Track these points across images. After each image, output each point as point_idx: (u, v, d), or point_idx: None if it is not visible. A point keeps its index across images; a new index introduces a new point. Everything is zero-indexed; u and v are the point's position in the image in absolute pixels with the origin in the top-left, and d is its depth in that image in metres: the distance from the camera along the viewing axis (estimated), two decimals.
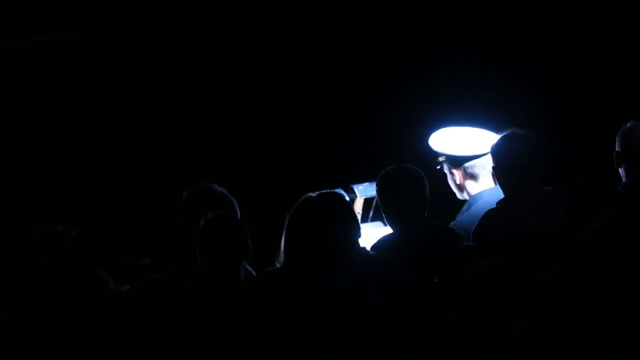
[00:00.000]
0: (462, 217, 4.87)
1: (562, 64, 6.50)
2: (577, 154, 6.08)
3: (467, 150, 5.00)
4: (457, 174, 4.99)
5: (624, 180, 4.53)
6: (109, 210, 6.44)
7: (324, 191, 4.55)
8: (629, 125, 4.60)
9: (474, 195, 4.96)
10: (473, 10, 6.52)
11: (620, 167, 4.59)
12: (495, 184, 4.87)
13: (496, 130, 4.83)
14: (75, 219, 5.44)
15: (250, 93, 6.72)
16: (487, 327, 4.11)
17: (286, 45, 6.67)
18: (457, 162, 4.99)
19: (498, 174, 4.63)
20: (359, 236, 4.31)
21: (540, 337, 3.85)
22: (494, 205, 4.72)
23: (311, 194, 4.49)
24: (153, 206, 6.23)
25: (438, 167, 5.05)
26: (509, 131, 4.61)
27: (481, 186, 4.98)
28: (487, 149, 4.93)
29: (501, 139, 4.61)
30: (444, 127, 5.09)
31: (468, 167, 4.99)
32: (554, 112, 6.37)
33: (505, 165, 4.57)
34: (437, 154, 5.06)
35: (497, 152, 4.61)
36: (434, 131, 5.09)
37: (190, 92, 6.71)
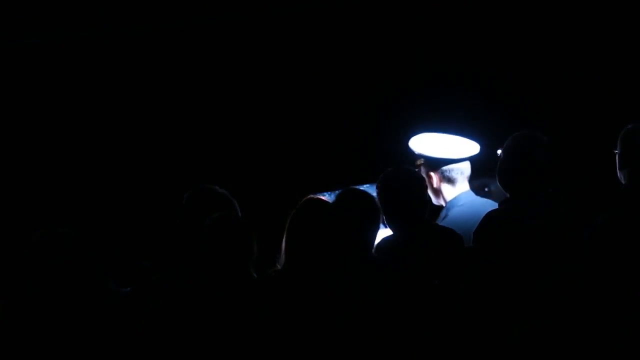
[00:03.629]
0: (442, 222, 4.89)
1: (559, 64, 6.50)
2: (574, 156, 6.08)
3: (446, 153, 5.02)
4: (434, 177, 5.02)
5: (624, 182, 4.53)
6: (109, 212, 6.44)
7: (325, 193, 4.57)
8: (630, 126, 4.59)
9: (450, 200, 4.99)
10: (465, 15, 6.53)
11: (621, 168, 4.59)
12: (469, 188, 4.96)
13: (483, 136, 4.88)
14: (76, 221, 5.45)
15: (252, 94, 6.72)
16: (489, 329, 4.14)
17: (289, 47, 6.67)
18: (435, 165, 5.02)
19: (504, 173, 4.64)
20: (364, 238, 4.34)
21: (539, 338, 3.87)
22: (472, 209, 4.76)
23: (312, 195, 4.50)
24: (154, 208, 6.23)
25: (416, 170, 5.06)
26: (519, 132, 4.62)
27: (457, 191, 5.01)
28: (467, 154, 4.98)
29: (511, 139, 4.61)
30: (428, 132, 5.11)
31: (445, 171, 5.02)
32: (552, 114, 6.37)
33: (513, 165, 4.58)
34: (416, 157, 5.08)
35: (507, 152, 4.62)
36: (415, 134, 5.11)
37: (192, 94, 6.71)
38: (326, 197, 4.70)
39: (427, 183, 4.99)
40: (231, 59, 6.72)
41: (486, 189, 5.14)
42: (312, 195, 4.51)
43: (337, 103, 6.68)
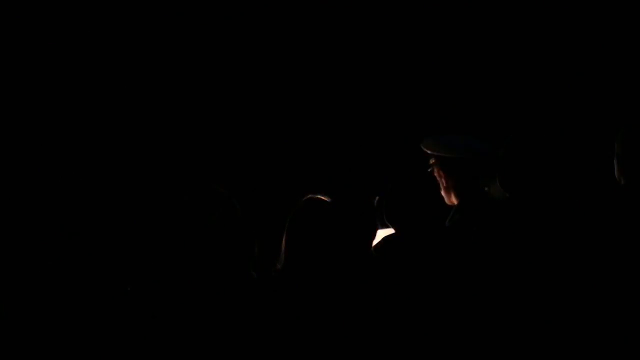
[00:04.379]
0: (452, 223, 4.90)
1: (558, 64, 6.51)
2: (574, 156, 6.09)
3: (458, 153, 5.03)
4: (447, 177, 5.02)
5: (622, 182, 4.53)
6: (109, 213, 6.44)
7: (325, 193, 4.57)
8: (625, 127, 4.59)
9: (461, 200, 4.99)
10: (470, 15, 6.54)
11: (620, 169, 4.58)
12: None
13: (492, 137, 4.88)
14: (75, 221, 5.45)
15: (252, 95, 6.73)
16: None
17: (290, 47, 6.67)
18: (448, 164, 5.02)
19: (504, 174, 4.64)
20: (364, 238, 4.34)
21: None
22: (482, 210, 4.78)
23: (312, 195, 4.50)
24: (154, 208, 6.23)
25: (429, 170, 5.07)
26: (519, 132, 4.62)
27: (469, 191, 5.01)
28: (478, 152, 4.99)
29: (511, 139, 4.61)
30: (440, 134, 5.12)
31: (458, 171, 5.02)
32: (552, 114, 6.38)
33: (513, 165, 4.59)
34: (428, 157, 5.09)
35: (507, 152, 4.63)
36: (428, 136, 5.13)
37: (193, 93, 6.71)
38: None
39: (440, 183, 5.01)
40: (233, 58, 6.73)
41: (486, 189, 5.14)
42: (311, 195, 4.51)
43: (337, 104, 6.68)
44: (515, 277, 4.18)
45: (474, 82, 6.49)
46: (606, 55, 6.44)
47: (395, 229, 4.59)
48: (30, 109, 6.59)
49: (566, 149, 4.53)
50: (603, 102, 6.36)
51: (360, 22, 6.66)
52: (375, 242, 4.56)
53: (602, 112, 6.27)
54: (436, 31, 6.58)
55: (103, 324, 4.26)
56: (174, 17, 6.66)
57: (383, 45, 6.66)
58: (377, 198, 4.75)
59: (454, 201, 5.05)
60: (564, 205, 4.29)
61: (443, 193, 4.98)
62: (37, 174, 6.54)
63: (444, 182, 5.03)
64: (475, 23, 6.53)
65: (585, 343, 4.09)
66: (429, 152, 5.10)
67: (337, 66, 6.69)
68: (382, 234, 4.68)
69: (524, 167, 4.48)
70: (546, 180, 4.45)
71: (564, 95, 6.47)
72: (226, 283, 4.24)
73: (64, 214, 6.18)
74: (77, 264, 4.32)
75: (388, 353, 4.15)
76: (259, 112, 6.73)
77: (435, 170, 5.06)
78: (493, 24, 6.52)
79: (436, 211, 4.61)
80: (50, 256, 4.35)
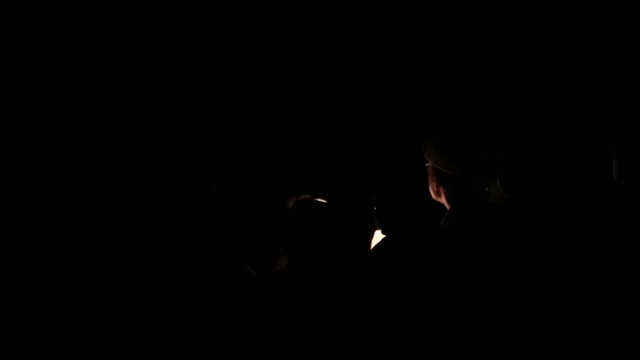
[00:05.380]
0: (447, 223, 4.90)
1: (558, 64, 6.52)
2: (574, 156, 6.10)
3: (454, 169, 5.03)
4: (440, 183, 5.02)
5: (622, 182, 4.53)
6: (108, 213, 6.44)
7: (323, 193, 4.57)
8: (622, 126, 4.60)
9: (455, 202, 4.99)
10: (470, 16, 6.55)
11: (618, 168, 4.59)
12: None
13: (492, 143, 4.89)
14: (75, 218, 5.45)
15: (253, 95, 6.73)
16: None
17: (286, 45, 6.68)
18: (442, 174, 5.03)
19: (504, 174, 4.65)
20: (365, 238, 4.35)
21: None
22: (476, 211, 4.78)
23: (309, 195, 4.51)
24: (152, 208, 6.23)
25: (426, 165, 5.08)
26: (518, 132, 4.63)
27: (463, 192, 5.01)
28: (474, 170, 5.00)
29: (510, 139, 4.61)
30: (443, 137, 5.12)
31: (453, 172, 5.03)
32: (551, 114, 6.39)
33: (514, 165, 4.59)
34: (424, 160, 5.10)
35: (507, 153, 4.64)
36: (431, 137, 5.12)
37: (192, 93, 6.72)
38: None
39: (431, 181, 5.01)
40: (229, 59, 6.73)
41: (486, 189, 5.14)
42: (308, 196, 4.52)
43: (335, 104, 6.69)
44: (515, 277, 4.19)
45: (473, 83, 6.50)
46: (605, 55, 6.44)
47: (393, 230, 4.60)
48: (29, 108, 6.59)
49: (566, 149, 4.55)
50: (602, 102, 6.36)
51: (356, 23, 6.67)
52: (375, 242, 4.57)
53: (601, 112, 6.27)
54: (432, 32, 6.58)
55: (101, 324, 4.26)
56: (173, 17, 6.67)
57: (381, 46, 6.67)
58: (377, 198, 4.75)
59: (443, 201, 5.05)
60: (564, 205, 4.30)
61: (432, 193, 4.98)
62: (34, 174, 6.55)
63: (434, 186, 5.03)
64: (471, 23, 6.54)
65: (585, 343, 4.09)
66: (427, 157, 5.10)
67: (333, 66, 6.69)
68: (381, 234, 4.68)
69: (523, 167, 4.49)
70: (546, 180, 4.45)
71: (563, 95, 6.48)
72: (226, 283, 4.25)
73: (61, 213, 6.18)
74: (75, 263, 4.32)
75: (388, 353, 4.15)
76: (256, 112, 6.74)
77: (429, 170, 5.05)
78: (490, 24, 6.53)
79: (435, 211, 4.61)
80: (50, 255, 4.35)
